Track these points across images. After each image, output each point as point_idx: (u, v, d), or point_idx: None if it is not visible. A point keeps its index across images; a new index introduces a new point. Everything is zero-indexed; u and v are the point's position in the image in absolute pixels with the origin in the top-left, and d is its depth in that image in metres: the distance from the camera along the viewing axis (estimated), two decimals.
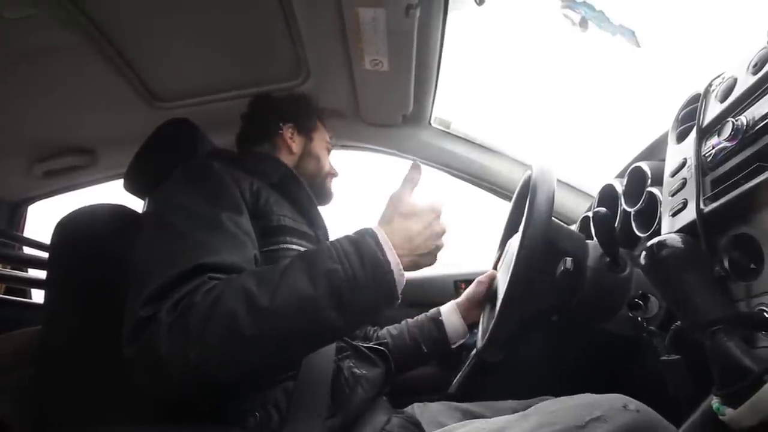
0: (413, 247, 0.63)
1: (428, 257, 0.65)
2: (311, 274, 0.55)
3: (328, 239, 0.85)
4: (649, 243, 0.54)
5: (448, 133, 1.44)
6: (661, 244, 0.53)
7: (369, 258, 0.57)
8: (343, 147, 1.49)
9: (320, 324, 0.55)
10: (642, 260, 0.54)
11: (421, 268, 0.65)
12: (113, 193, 1.59)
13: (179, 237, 0.63)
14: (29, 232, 1.71)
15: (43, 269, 1.46)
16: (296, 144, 1.06)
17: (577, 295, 0.71)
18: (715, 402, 0.42)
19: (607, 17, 1.08)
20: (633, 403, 0.54)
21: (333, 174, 1.12)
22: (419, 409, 0.85)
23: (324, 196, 1.09)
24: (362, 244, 0.58)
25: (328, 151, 1.13)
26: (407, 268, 0.61)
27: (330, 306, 0.54)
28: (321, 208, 0.92)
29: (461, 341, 0.97)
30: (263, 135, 1.05)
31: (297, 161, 1.04)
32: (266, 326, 0.53)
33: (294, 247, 0.77)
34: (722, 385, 0.41)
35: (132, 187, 0.99)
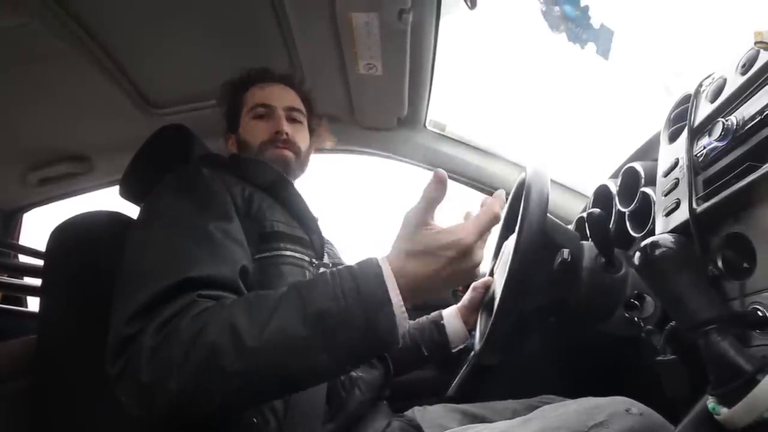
0: (425, 289, 0.54)
1: (445, 290, 0.58)
2: (304, 312, 0.50)
3: (322, 243, 0.84)
4: (642, 243, 0.54)
5: (443, 135, 1.45)
6: (654, 245, 0.53)
7: (367, 297, 0.50)
8: (339, 151, 1.49)
9: (309, 366, 0.50)
10: (635, 261, 0.55)
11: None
12: (109, 199, 1.58)
13: (166, 248, 0.60)
14: (24, 239, 1.70)
15: (39, 277, 1.45)
16: (233, 143, 0.99)
17: (573, 293, 0.71)
18: (710, 402, 0.42)
19: (588, 17, 1.07)
20: (636, 407, 0.54)
21: (270, 140, 0.93)
22: (419, 413, 0.85)
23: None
24: (362, 280, 0.52)
25: (261, 114, 0.96)
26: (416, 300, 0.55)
27: (320, 347, 0.49)
28: (315, 210, 0.87)
29: (462, 345, 0.97)
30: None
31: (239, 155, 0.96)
32: (251, 364, 0.49)
33: (288, 253, 0.75)
34: (717, 384, 0.42)
35: (127, 194, 0.98)
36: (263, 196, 0.81)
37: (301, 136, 0.98)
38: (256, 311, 0.51)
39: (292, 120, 0.98)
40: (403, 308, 0.51)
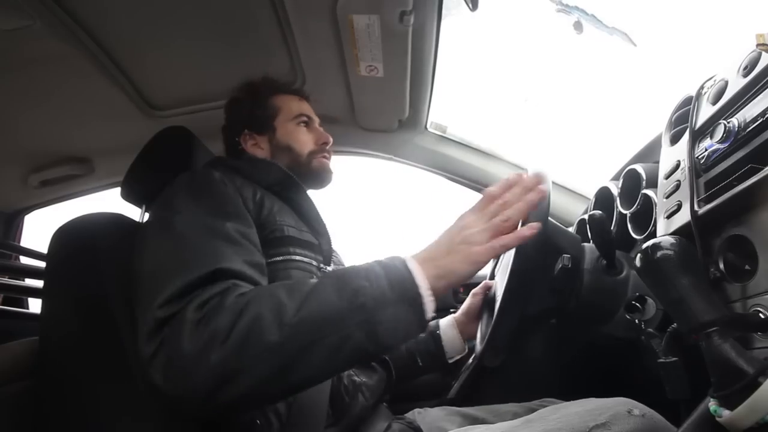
0: (442, 257, 0.58)
1: (463, 263, 0.58)
2: (340, 288, 0.54)
3: (330, 247, 0.84)
4: (643, 246, 0.54)
5: (444, 137, 1.45)
6: (655, 247, 0.53)
7: (397, 280, 0.55)
8: (340, 152, 1.49)
9: (344, 339, 0.52)
10: (637, 263, 0.54)
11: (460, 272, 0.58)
12: (111, 201, 1.59)
13: (192, 243, 0.61)
14: (26, 241, 1.70)
15: (40, 279, 1.46)
16: (259, 146, 0.97)
17: (574, 296, 0.71)
18: (712, 404, 0.42)
19: (599, 20, 1.09)
20: (638, 408, 0.53)
21: (318, 150, 0.98)
22: (419, 415, 0.84)
23: (314, 179, 0.97)
24: (390, 268, 0.56)
25: (304, 123, 1.00)
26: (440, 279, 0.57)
27: (355, 322, 0.52)
28: (323, 213, 0.88)
29: (458, 356, 0.97)
30: (235, 152, 0.99)
31: (271, 160, 0.96)
32: (291, 334, 0.51)
33: (298, 258, 0.75)
34: (718, 387, 0.41)
35: (129, 196, 0.98)
36: (274, 199, 0.81)
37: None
38: (296, 290, 0.54)
39: None
40: (431, 293, 0.55)
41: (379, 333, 0.53)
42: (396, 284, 0.54)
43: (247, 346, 0.50)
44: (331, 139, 1.00)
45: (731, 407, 0.39)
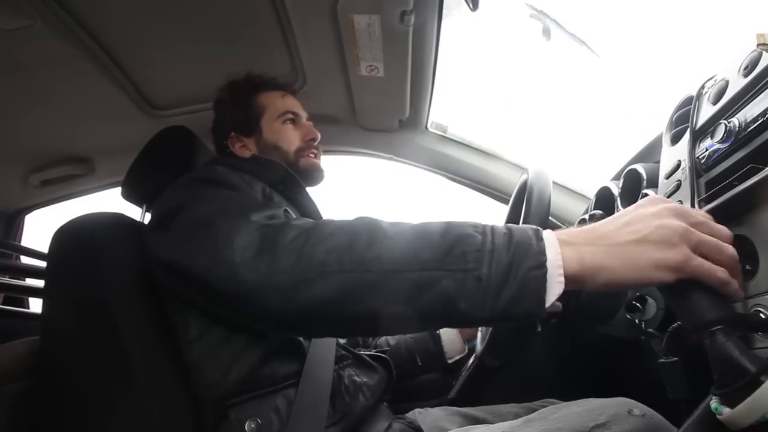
0: (603, 238, 0.44)
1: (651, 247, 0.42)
2: (445, 230, 0.47)
3: None
4: None
5: (445, 137, 1.45)
6: None
7: (520, 241, 0.44)
8: (341, 152, 1.49)
9: (432, 279, 0.44)
10: None
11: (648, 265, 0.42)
12: (112, 201, 1.59)
13: (244, 199, 0.65)
14: (27, 241, 1.71)
15: (41, 278, 1.46)
16: (249, 148, 0.96)
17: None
18: (713, 402, 0.42)
19: (562, 27, 1.11)
20: (638, 408, 0.54)
21: (305, 147, 0.96)
22: (420, 415, 0.84)
23: (304, 178, 0.93)
24: (517, 229, 0.46)
25: (291, 120, 0.97)
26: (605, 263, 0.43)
27: (447, 272, 0.44)
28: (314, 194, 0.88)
29: (458, 357, 0.96)
30: (224, 155, 0.98)
31: None
32: (378, 253, 0.47)
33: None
34: (720, 384, 0.41)
35: (130, 195, 0.98)
36: (280, 197, 0.82)
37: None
38: (400, 222, 0.51)
39: None
40: (562, 270, 0.43)
41: (472, 290, 0.43)
42: (516, 245, 0.44)
43: (336, 252, 0.48)
44: (318, 135, 0.98)
45: (732, 405, 0.39)
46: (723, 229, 0.46)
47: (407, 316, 0.46)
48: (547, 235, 0.45)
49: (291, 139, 0.96)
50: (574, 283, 0.43)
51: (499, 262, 0.43)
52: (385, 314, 0.47)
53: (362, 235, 0.49)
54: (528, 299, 0.43)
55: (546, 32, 1.13)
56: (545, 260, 0.43)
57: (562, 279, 0.42)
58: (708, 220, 0.45)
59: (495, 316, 0.44)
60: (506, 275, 0.43)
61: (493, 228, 0.47)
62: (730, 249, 0.44)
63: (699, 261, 0.42)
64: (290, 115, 0.98)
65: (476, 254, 0.44)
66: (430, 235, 0.47)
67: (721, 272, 0.42)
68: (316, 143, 0.97)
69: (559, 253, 0.43)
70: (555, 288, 0.42)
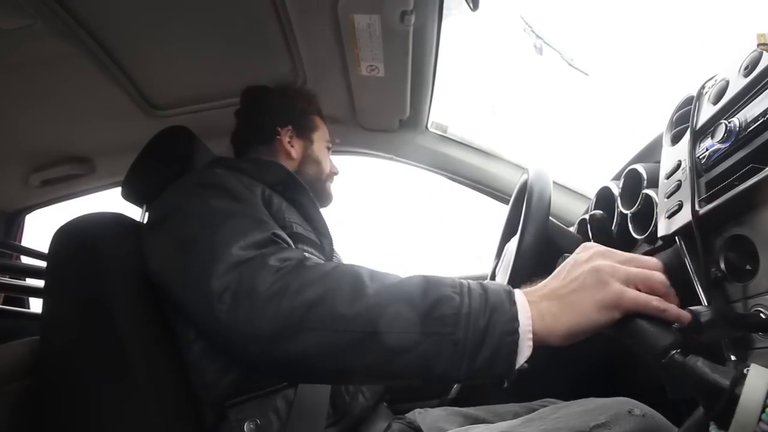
0: (559, 298, 0.46)
1: (592, 307, 0.44)
2: (425, 290, 0.47)
3: (332, 249, 0.85)
4: None
5: (445, 137, 1.45)
6: None
7: (495, 305, 0.46)
8: (341, 152, 1.49)
9: (409, 342, 0.45)
10: None
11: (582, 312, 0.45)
12: (112, 201, 1.59)
13: (235, 216, 0.63)
14: (27, 241, 1.71)
15: (41, 278, 1.46)
16: (296, 149, 1.01)
17: None
18: (712, 429, 0.41)
19: (550, 45, 1.15)
20: (639, 408, 0.54)
21: (334, 174, 1.10)
22: (420, 415, 0.84)
23: (324, 198, 1.06)
24: (492, 291, 0.47)
25: (329, 150, 1.10)
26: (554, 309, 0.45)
27: (426, 335, 0.45)
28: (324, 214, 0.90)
29: None
30: (259, 138, 1.01)
31: (297, 166, 1.00)
32: (359, 315, 0.47)
33: (307, 255, 0.75)
34: (708, 409, 0.41)
35: (130, 195, 0.98)
36: (279, 198, 0.82)
37: None
38: (378, 276, 0.51)
39: None
40: (531, 335, 0.44)
41: (448, 354, 0.45)
42: (491, 310, 0.45)
43: (317, 308, 0.48)
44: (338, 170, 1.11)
45: (726, 427, 0.39)
46: (650, 259, 0.48)
47: (383, 374, 0.50)
48: (519, 298, 0.47)
49: (327, 163, 1.07)
50: (539, 342, 0.45)
51: (475, 326, 0.45)
52: (362, 372, 0.50)
53: (344, 289, 0.49)
54: (500, 364, 0.45)
55: (538, 49, 1.16)
56: (518, 326, 0.44)
57: (531, 343, 0.44)
58: (635, 257, 0.48)
59: (468, 378, 0.46)
60: (481, 340, 0.44)
61: (469, 288, 0.48)
62: (659, 276, 0.46)
63: (633, 293, 0.44)
64: (330, 146, 1.11)
65: (454, 317, 0.45)
66: (410, 294, 0.47)
67: (656, 300, 0.44)
68: (335, 176, 1.10)
69: (529, 317, 0.45)
70: (525, 351, 0.44)
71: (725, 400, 0.38)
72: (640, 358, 0.46)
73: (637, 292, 0.44)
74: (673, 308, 0.44)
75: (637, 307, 0.43)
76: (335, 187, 1.11)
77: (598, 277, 0.44)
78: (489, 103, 1.56)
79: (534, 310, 0.45)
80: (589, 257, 0.47)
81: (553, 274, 0.49)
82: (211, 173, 0.77)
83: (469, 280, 0.50)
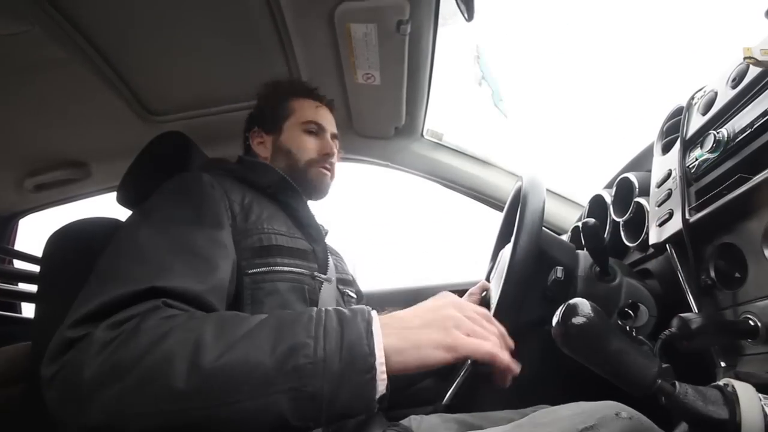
0: (406, 330, 0.49)
1: (429, 347, 0.48)
2: (277, 340, 0.45)
3: (326, 256, 0.83)
4: (557, 316, 0.50)
5: (440, 144, 1.46)
6: (570, 313, 0.49)
7: (351, 342, 0.45)
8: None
9: (262, 408, 0.42)
10: (552, 333, 0.50)
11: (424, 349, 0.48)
12: (107, 205, 1.58)
13: (142, 253, 0.56)
14: (19, 245, 1.70)
15: (34, 283, 1.45)
16: (264, 146, 0.98)
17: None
18: None
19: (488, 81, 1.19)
20: (626, 411, 0.54)
21: (319, 160, 0.95)
22: (416, 422, 0.84)
23: (308, 188, 0.93)
24: (350, 326, 0.46)
25: (313, 132, 0.97)
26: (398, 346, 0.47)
27: (282, 388, 0.42)
28: (321, 223, 0.87)
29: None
30: (247, 148, 1.02)
31: (271, 164, 0.94)
32: (199, 386, 0.42)
33: (286, 268, 0.73)
34: None
35: (125, 200, 0.98)
36: (266, 203, 0.80)
37: (337, 163, 1.01)
38: (227, 331, 0.46)
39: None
40: (384, 368, 0.45)
41: (306, 407, 0.43)
42: (348, 349, 0.44)
43: (148, 388, 0.42)
44: (334, 151, 0.97)
45: None
46: (485, 312, 0.55)
47: None
48: (376, 329, 0.47)
49: (307, 148, 0.95)
50: (389, 374, 0.46)
51: (331, 371, 0.44)
52: None
53: (181, 357, 0.43)
54: (359, 404, 0.45)
55: (478, 80, 1.22)
56: (374, 361, 0.44)
57: (385, 376, 0.45)
58: (482, 312, 0.54)
59: (329, 421, 0.44)
60: (339, 384, 0.44)
61: (326, 326, 0.46)
62: (494, 326, 0.54)
63: (468, 341, 0.49)
64: (314, 126, 0.97)
65: (309, 368, 0.43)
66: (259, 350, 0.44)
67: (488, 345, 0.50)
68: (331, 159, 0.96)
69: (382, 348, 0.46)
70: (380, 386, 0.45)
71: None
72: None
73: (473, 339, 0.49)
74: (503, 355, 0.51)
75: (471, 352, 0.48)
76: (330, 175, 0.97)
77: (443, 324, 0.49)
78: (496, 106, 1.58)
79: (386, 341, 0.47)
80: (443, 305, 0.52)
81: (407, 309, 0.52)
82: (191, 178, 0.74)
83: (329, 311, 0.48)
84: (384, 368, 0.45)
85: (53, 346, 0.47)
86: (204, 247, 0.61)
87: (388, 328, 0.48)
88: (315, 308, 0.50)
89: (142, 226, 0.62)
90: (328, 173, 0.96)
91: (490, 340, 0.51)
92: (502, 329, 0.55)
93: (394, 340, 0.47)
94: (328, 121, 1.01)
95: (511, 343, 0.56)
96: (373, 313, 0.49)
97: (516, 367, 0.51)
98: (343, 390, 0.44)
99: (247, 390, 0.42)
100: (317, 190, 0.95)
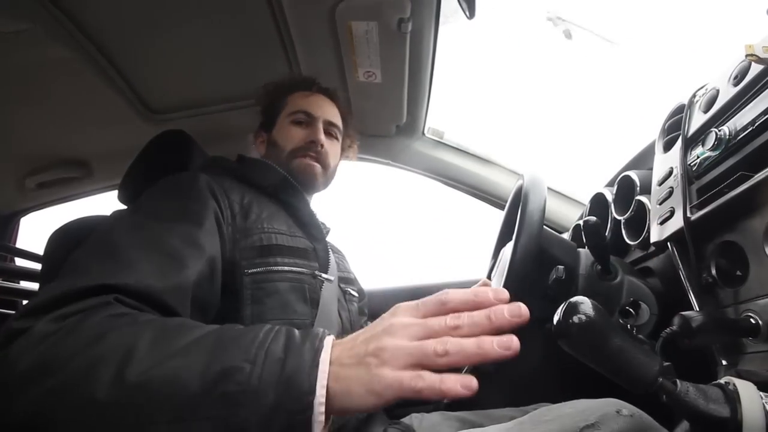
0: (347, 359, 0.40)
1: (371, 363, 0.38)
2: (210, 360, 0.39)
3: (327, 254, 0.82)
4: (557, 315, 0.49)
5: (441, 143, 1.46)
6: (571, 312, 0.48)
7: (291, 373, 0.38)
8: None
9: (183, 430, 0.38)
10: (553, 330, 0.49)
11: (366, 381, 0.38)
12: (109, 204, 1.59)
13: (107, 251, 0.54)
14: (22, 243, 1.70)
15: (36, 281, 1.45)
16: (262, 144, 1.00)
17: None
18: None
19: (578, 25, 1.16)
20: (627, 408, 0.54)
21: (302, 148, 0.91)
22: (417, 420, 0.85)
23: (297, 181, 0.87)
24: (294, 354, 0.40)
25: (301, 121, 0.94)
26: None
27: (207, 414, 0.37)
28: (323, 222, 0.86)
29: None
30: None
31: (266, 159, 0.94)
32: (119, 400, 0.38)
33: (286, 268, 0.72)
34: None
35: (126, 198, 0.99)
36: (266, 203, 0.79)
37: (334, 153, 0.97)
38: (165, 342, 0.41)
39: (329, 135, 0.97)
40: (323, 409, 0.37)
41: None
42: (286, 381, 0.38)
43: (70, 393, 0.39)
44: (320, 138, 0.92)
45: None
46: (446, 301, 0.41)
47: None
48: (323, 359, 0.39)
49: (291, 138, 0.92)
50: (329, 414, 0.39)
51: (262, 405, 0.37)
52: None
53: (104, 366, 0.39)
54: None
55: (567, 34, 1.17)
56: (312, 399, 0.37)
57: (323, 418, 0.38)
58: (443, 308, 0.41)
59: None
60: (269, 419, 0.37)
61: (267, 350, 0.40)
62: (469, 344, 0.38)
63: (390, 379, 0.37)
64: (301, 115, 0.94)
65: (239, 396, 0.38)
66: (190, 368, 0.39)
67: (412, 381, 0.37)
68: (317, 147, 0.91)
69: (325, 386, 0.38)
70: (317, 428, 0.38)
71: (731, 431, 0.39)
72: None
73: (396, 376, 0.37)
74: (432, 390, 0.36)
75: (394, 396, 0.37)
76: (317, 164, 0.92)
77: (366, 361, 0.38)
78: (498, 103, 1.55)
79: (331, 377, 0.39)
80: (374, 335, 0.40)
81: (362, 330, 0.43)
82: (187, 177, 0.73)
83: (279, 331, 0.42)
84: (323, 408, 0.37)
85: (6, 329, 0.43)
86: (176, 246, 0.58)
87: (337, 364, 0.39)
88: (266, 326, 0.43)
89: (120, 223, 0.60)
90: (315, 163, 0.92)
91: (422, 372, 0.37)
92: (488, 311, 0.41)
93: (334, 382, 0.38)
94: (319, 107, 0.97)
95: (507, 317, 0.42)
96: (327, 340, 0.41)
97: (465, 388, 0.36)
98: (273, 426, 0.37)
99: (169, 411, 0.37)
100: (304, 181, 0.90)
